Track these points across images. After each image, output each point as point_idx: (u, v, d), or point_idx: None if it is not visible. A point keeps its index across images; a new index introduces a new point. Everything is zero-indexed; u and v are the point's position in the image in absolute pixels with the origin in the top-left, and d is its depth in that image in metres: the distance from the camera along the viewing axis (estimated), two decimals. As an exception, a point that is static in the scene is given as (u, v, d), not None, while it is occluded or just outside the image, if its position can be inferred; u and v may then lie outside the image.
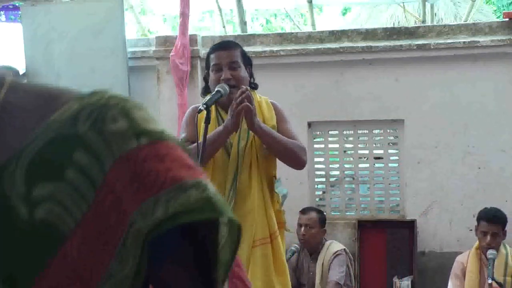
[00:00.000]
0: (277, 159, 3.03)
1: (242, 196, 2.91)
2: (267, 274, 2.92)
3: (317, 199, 5.32)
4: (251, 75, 3.04)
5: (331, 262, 4.41)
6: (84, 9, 5.17)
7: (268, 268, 2.93)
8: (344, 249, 4.51)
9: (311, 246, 4.48)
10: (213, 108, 2.98)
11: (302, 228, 4.45)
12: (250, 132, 2.92)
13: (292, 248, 4.42)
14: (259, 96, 3.05)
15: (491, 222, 4.07)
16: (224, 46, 3.02)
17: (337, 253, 4.43)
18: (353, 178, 5.28)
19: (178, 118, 4.97)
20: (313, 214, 4.50)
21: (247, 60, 3.02)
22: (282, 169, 3.09)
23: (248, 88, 2.88)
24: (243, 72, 2.95)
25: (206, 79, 3.03)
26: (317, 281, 4.42)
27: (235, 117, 2.79)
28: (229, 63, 2.91)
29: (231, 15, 11.44)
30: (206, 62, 3.03)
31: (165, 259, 0.79)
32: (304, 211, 4.54)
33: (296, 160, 2.97)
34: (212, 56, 2.96)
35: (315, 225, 4.47)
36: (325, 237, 4.58)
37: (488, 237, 4.05)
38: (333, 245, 4.51)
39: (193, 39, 5.09)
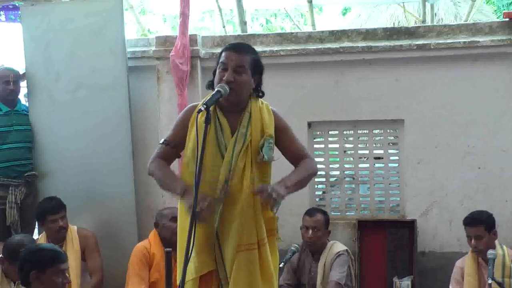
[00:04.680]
0: (271, 167, 3.03)
1: (232, 199, 2.91)
2: (251, 281, 2.91)
3: (317, 199, 5.32)
4: (258, 84, 3.04)
5: (333, 262, 4.41)
6: (84, 9, 5.16)
7: (252, 274, 2.92)
8: (347, 250, 4.52)
9: (315, 248, 4.48)
10: (212, 107, 2.99)
11: (310, 231, 4.42)
12: (247, 136, 2.94)
13: (292, 248, 4.41)
14: (260, 101, 3.05)
15: (470, 225, 4.16)
16: (236, 48, 3.00)
17: (339, 253, 4.43)
18: (353, 178, 5.27)
19: (178, 118, 4.96)
20: (319, 216, 4.49)
21: (257, 69, 3.01)
22: (281, 168, 3.09)
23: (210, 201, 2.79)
24: (247, 78, 2.94)
25: (214, 72, 3.02)
26: (319, 281, 4.42)
27: (195, 212, 2.69)
28: (235, 66, 2.92)
29: (231, 15, 11.43)
30: (218, 57, 3.03)
31: None
32: (310, 214, 4.51)
33: (313, 176, 3.21)
34: (223, 54, 2.98)
35: (321, 227, 4.48)
36: (328, 238, 4.58)
37: (472, 240, 4.11)
38: (336, 246, 4.51)
39: (193, 39, 5.08)
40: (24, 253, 3.43)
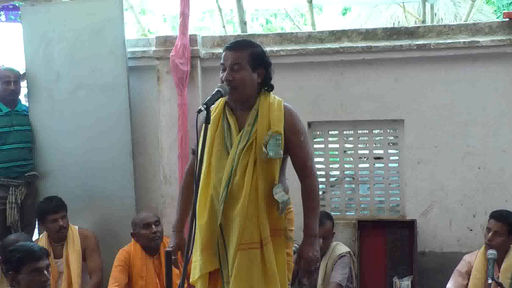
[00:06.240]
0: (279, 166, 3.00)
1: (234, 198, 2.91)
2: (251, 281, 2.90)
3: (317, 199, 5.31)
4: (264, 77, 3.01)
5: (335, 264, 4.40)
6: (84, 9, 5.15)
7: (253, 274, 2.91)
8: (349, 251, 4.51)
9: (322, 252, 4.45)
10: (220, 106, 3.02)
11: (321, 240, 4.37)
12: (252, 133, 2.94)
13: (293, 248, 4.40)
14: (273, 97, 3.03)
15: (496, 219, 4.14)
16: (231, 46, 3.02)
17: (341, 255, 4.43)
18: (353, 178, 5.27)
19: (178, 118, 4.97)
20: (328, 224, 4.47)
21: (258, 62, 2.98)
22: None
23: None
24: (245, 74, 2.94)
25: None
26: (319, 281, 4.42)
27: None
28: (231, 65, 2.93)
29: (231, 15, 11.44)
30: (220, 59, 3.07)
31: None
32: (320, 223, 4.41)
33: None
34: (222, 55, 3.01)
35: (330, 234, 4.47)
36: (332, 239, 4.57)
37: (490, 234, 4.09)
38: (339, 247, 4.50)
39: (193, 39, 5.08)
40: (4, 254, 3.38)
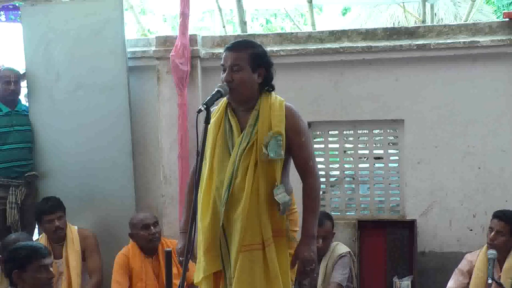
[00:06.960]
0: (281, 166, 2.98)
1: (235, 199, 2.91)
2: (253, 282, 2.89)
3: (317, 199, 5.30)
4: (265, 78, 2.99)
5: (335, 264, 4.40)
6: (84, 9, 5.16)
7: (256, 275, 2.90)
8: (349, 251, 4.50)
9: (322, 252, 4.45)
10: (223, 107, 3.01)
11: (320, 241, 4.36)
12: (253, 134, 2.93)
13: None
14: (274, 97, 3.01)
15: (498, 218, 4.15)
16: (231, 47, 3.00)
17: (341, 255, 4.42)
18: (353, 178, 5.27)
19: (178, 118, 4.97)
20: (328, 224, 4.46)
21: (258, 63, 2.96)
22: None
23: None
24: (245, 75, 2.93)
25: None
26: (320, 281, 4.41)
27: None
28: (230, 65, 2.93)
29: (231, 15, 11.45)
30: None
31: None
32: (320, 223, 4.39)
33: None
34: (222, 55, 3.00)
35: (330, 234, 4.47)
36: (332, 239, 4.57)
37: (492, 233, 4.09)
38: (339, 247, 4.50)
39: (193, 39, 5.08)
40: (5, 254, 3.39)
